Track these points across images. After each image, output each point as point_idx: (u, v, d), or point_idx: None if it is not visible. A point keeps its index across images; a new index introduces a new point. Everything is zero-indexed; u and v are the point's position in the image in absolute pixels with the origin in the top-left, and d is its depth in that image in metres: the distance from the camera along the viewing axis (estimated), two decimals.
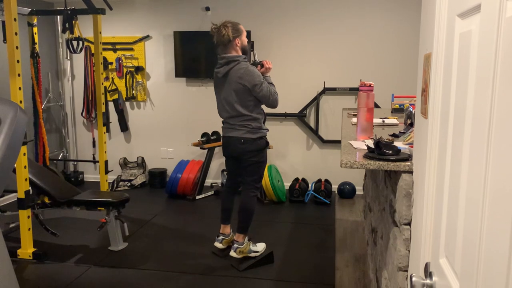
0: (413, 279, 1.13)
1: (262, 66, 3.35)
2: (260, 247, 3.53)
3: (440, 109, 1.25)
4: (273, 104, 3.28)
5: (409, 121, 2.77)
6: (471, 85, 0.94)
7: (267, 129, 3.39)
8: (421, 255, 1.37)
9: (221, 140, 3.51)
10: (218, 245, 3.58)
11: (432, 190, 1.31)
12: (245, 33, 3.32)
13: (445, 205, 1.15)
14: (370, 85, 2.62)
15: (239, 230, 3.43)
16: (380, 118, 3.27)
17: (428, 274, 1.16)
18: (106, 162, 4.36)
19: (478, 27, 0.90)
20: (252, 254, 3.44)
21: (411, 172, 1.75)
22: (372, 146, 2.02)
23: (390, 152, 1.93)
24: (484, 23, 0.86)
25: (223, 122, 3.42)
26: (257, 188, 3.44)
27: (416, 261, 1.48)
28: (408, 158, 1.86)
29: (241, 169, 3.39)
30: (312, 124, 5.31)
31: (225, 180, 4.08)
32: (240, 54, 3.27)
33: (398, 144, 2.09)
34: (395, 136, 2.55)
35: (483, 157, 0.82)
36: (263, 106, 3.34)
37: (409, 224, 1.73)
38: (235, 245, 3.41)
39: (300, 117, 5.30)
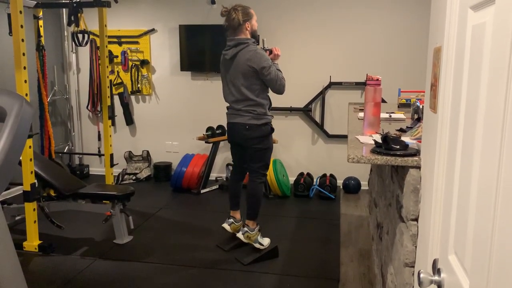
0: (421, 275, 1.11)
1: (271, 52, 3.33)
2: (265, 242, 3.52)
3: (451, 103, 1.23)
4: (280, 89, 3.24)
5: (416, 116, 2.75)
6: (484, 78, 0.92)
7: (272, 116, 3.36)
8: (429, 251, 1.36)
9: (226, 126, 3.47)
10: (226, 226, 3.56)
11: (441, 185, 1.29)
12: (255, 17, 3.28)
13: (454, 201, 1.13)
14: (377, 79, 2.60)
15: (248, 216, 3.43)
16: (387, 112, 3.24)
17: (436, 270, 1.15)
18: (111, 155, 4.36)
19: (492, 19, 0.88)
20: (257, 245, 3.42)
21: (419, 167, 1.73)
22: (380, 140, 2.00)
23: (398, 147, 1.91)
24: (499, 15, 0.83)
25: (227, 108, 3.39)
26: (264, 175, 3.41)
27: (424, 258, 1.46)
28: (416, 153, 1.84)
29: (247, 156, 3.37)
30: (317, 118, 5.29)
31: (229, 174, 4.07)
32: (250, 37, 3.24)
33: (405, 139, 2.07)
34: (402, 131, 2.52)
35: (496, 151, 0.81)
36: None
37: (416, 219, 1.72)
38: (245, 229, 3.39)
39: (305, 112, 5.28)
